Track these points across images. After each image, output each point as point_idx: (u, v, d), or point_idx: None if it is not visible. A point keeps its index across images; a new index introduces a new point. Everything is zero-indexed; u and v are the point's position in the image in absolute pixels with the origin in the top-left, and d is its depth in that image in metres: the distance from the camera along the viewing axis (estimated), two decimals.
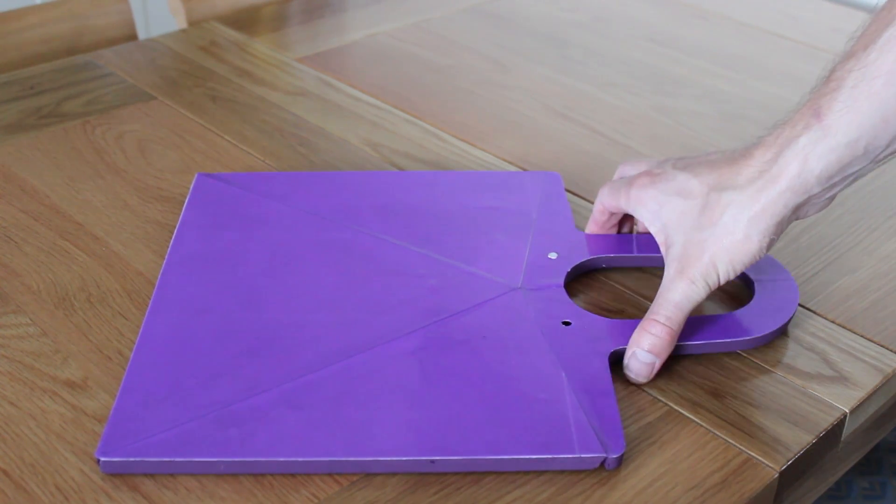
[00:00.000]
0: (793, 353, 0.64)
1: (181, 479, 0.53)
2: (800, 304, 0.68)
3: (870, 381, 0.62)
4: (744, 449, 0.56)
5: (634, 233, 0.71)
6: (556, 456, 0.53)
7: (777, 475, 0.55)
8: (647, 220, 0.63)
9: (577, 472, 0.54)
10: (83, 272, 0.69)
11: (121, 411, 0.55)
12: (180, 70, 0.99)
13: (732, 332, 0.62)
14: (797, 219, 0.59)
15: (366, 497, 0.53)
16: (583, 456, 0.53)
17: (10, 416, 0.57)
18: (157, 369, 0.58)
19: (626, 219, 0.70)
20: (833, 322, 0.67)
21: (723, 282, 0.60)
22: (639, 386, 0.60)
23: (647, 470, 0.55)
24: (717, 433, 0.57)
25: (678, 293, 0.59)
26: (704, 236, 0.59)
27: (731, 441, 0.57)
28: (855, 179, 0.57)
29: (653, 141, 0.88)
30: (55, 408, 0.58)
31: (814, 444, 0.57)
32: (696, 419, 0.58)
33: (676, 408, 0.59)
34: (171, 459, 0.52)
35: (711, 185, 0.60)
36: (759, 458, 0.56)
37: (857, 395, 0.61)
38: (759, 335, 0.63)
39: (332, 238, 0.69)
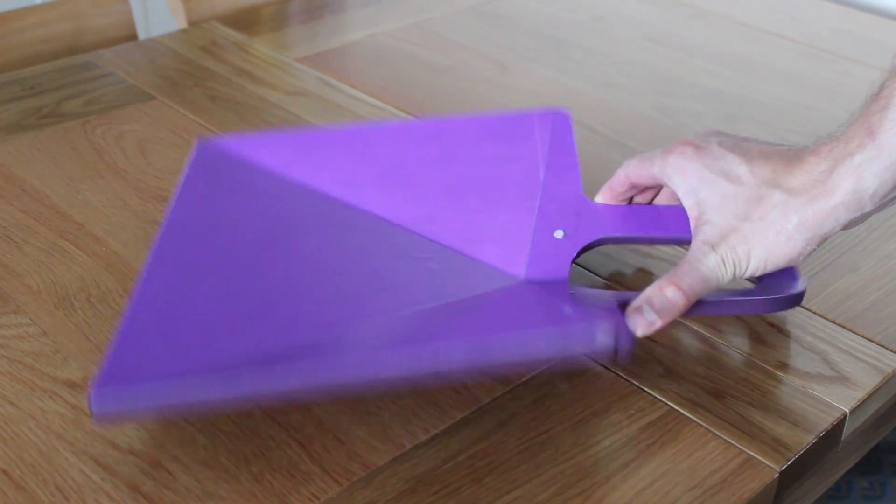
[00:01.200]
0: (793, 353, 0.64)
1: (181, 480, 0.53)
2: (800, 304, 0.68)
3: (870, 381, 0.62)
4: (744, 449, 0.56)
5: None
6: (568, 327, 0.54)
7: (777, 475, 0.55)
8: (683, 191, 0.62)
9: (577, 472, 0.54)
10: (83, 272, 0.69)
11: (112, 362, 0.53)
12: (180, 70, 0.99)
13: (749, 292, 0.61)
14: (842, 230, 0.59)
15: (366, 497, 0.53)
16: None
17: (10, 416, 0.57)
18: (149, 329, 0.56)
19: (642, 194, 0.68)
20: (833, 322, 0.67)
21: (748, 275, 0.59)
22: (639, 387, 0.60)
23: (647, 470, 0.55)
24: (717, 433, 0.57)
25: (707, 267, 0.59)
26: (747, 227, 0.59)
27: (731, 441, 0.57)
28: None
29: (653, 141, 0.88)
30: (55, 408, 0.58)
31: (814, 444, 0.57)
32: (696, 419, 0.58)
33: (676, 408, 0.59)
34: (163, 385, 0.51)
35: (763, 179, 0.59)
36: (759, 458, 0.56)
37: (857, 395, 0.61)
38: (780, 296, 0.62)
39: (332, 213, 0.68)
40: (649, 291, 0.59)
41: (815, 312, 0.67)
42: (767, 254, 0.58)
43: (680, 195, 0.62)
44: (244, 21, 1.12)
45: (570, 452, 0.56)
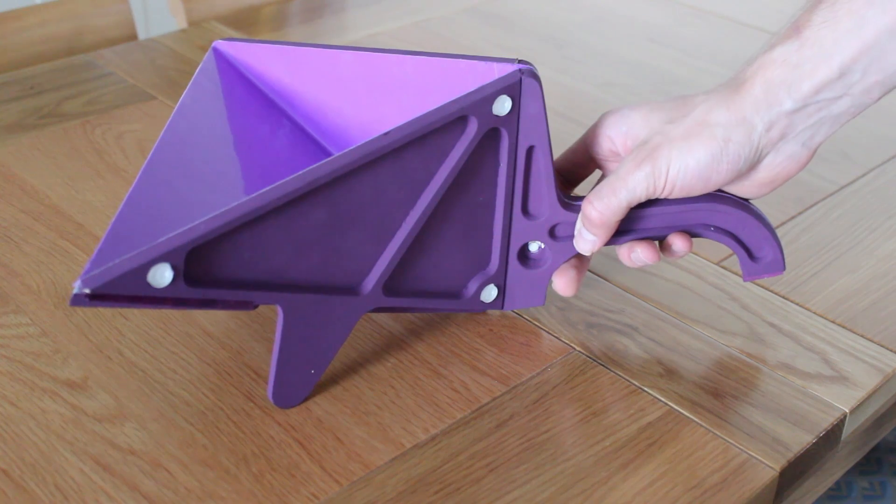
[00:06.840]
0: (793, 353, 0.64)
1: (181, 480, 0.53)
2: (800, 305, 0.68)
3: (870, 381, 0.62)
4: (744, 449, 0.56)
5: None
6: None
7: (777, 475, 0.55)
8: (617, 134, 0.59)
9: (577, 472, 0.54)
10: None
11: (99, 255, 0.51)
12: (180, 70, 0.99)
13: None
14: (769, 167, 0.56)
15: (366, 497, 0.53)
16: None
17: (10, 416, 0.57)
18: (134, 232, 0.53)
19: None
20: (833, 322, 0.67)
21: (671, 181, 0.56)
22: (639, 387, 0.60)
23: (647, 470, 0.55)
24: (717, 433, 0.57)
25: (628, 185, 0.56)
26: (668, 129, 0.56)
27: (731, 441, 0.57)
28: (829, 119, 0.54)
29: None
30: (55, 408, 0.58)
31: (814, 444, 0.57)
32: (696, 419, 0.58)
33: (676, 408, 0.59)
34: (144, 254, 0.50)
35: (680, 95, 0.58)
36: (759, 458, 0.56)
37: (857, 395, 0.61)
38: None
39: (302, 156, 0.67)
40: (581, 212, 0.59)
41: (815, 312, 0.67)
42: (688, 151, 0.55)
43: (619, 137, 0.59)
44: (244, 21, 1.12)
45: (570, 452, 0.56)
